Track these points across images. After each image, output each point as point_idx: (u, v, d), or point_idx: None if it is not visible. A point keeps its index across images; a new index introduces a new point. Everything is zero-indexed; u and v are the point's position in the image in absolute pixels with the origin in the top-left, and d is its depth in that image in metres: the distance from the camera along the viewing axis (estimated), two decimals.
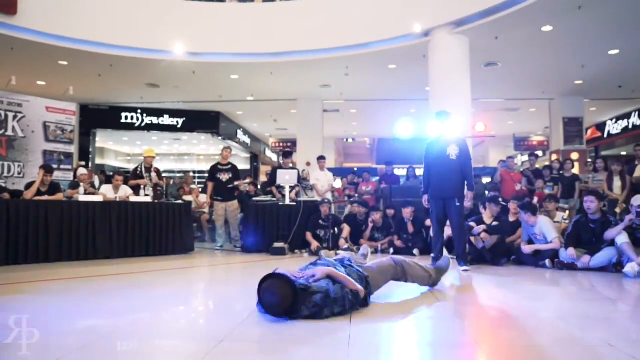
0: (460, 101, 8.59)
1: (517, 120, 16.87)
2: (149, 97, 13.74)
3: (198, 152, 22.38)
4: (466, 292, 4.12)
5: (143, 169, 7.57)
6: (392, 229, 7.72)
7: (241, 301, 3.46)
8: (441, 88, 8.76)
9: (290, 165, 8.30)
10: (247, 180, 7.92)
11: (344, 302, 2.90)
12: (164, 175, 8.21)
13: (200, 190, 10.32)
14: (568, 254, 5.23)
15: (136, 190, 7.25)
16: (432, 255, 5.70)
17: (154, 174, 7.56)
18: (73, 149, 9.92)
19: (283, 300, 2.73)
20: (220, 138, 16.35)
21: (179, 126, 15.33)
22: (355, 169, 17.33)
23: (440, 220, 5.49)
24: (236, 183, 7.77)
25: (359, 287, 3.08)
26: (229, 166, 7.88)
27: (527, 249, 5.64)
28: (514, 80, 12.01)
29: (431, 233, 6.87)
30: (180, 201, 8.02)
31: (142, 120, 15.03)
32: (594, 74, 11.32)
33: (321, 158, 9.27)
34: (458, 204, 5.32)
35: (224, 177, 7.74)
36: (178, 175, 18.26)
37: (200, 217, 9.60)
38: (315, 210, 7.42)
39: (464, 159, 5.38)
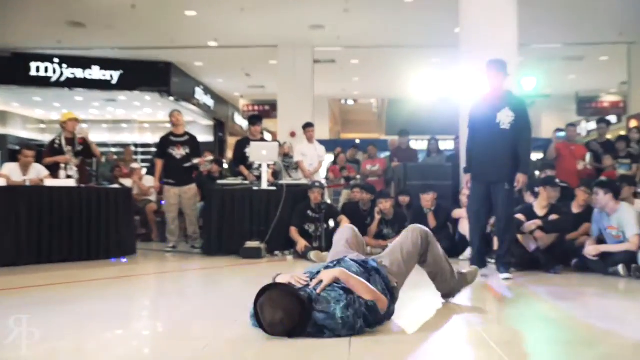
0: (503, 47, 8.46)
1: (581, 73, 16.88)
2: (70, 40, 13.52)
3: (141, 118, 22.23)
4: (509, 306, 4.09)
5: (63, 141, 7.41)
6: (406, 221, 7.69)
7: (201, 322, 3.40)
8: (476, 29, 8.65)
9: (261, 135, 8.28)
10: (209, 157, 7.88)
11: (354, 323, 2.94)
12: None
13: (144, 171, 10.24)
14: None
15: (54, 170, 7.14)
16: (468, 255, 5.66)
17: (79, 147, 7.44)
18: None
19: (288, 317, 2.83)
20: (171, 99, 16.25)
21: (113, 82, 15.19)
22: (358, 141, 17.31)
23: (481, 210, 5.44)
24: (194, 161, 7.74)
25: (380, 295, 3.14)
26: (186, 138, 7.86)
27: (592, 249, 5.61)
28: (578, 16, 11.93)
29: (459, 229, 6.90)
30: (116, 185, 7.94)
31: (61, 74, 14.86)
32: None
33: (308, 125, 9.22)
34: (508, 188, 5.25)
35: (179, 152, 7.72)
36: (113, 150, 18.21)
37: (145, 207, 9.55)
38: (303, 198, 7.37)
39: (521, 128, 5.26)
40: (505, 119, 5.27)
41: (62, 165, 7.15)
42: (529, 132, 5.37)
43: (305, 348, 2.77)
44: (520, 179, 5.27)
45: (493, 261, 5.84)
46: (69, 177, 7.04)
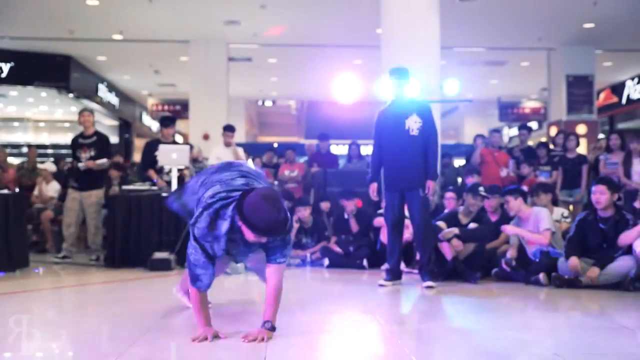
0: (425, 50, 8.71)
1: (503, 78, 17.58)
2: None
3: (36, 116, 21.30)
4: (429, 318, 4.18)
5: None
6: (326, 230, 7.76)
7: (104, 341, 3.28)
8: (398, 30, 8.83)
9: (173, 137, 8.20)
10: (103, 160, 7.68)
11: None
12: None
13: (52, 174, 9.88)
14: (569, 265, 5.45)
15: None
16: (386, 266, 5.79)
17: None
18: None
19: (285, 214, 3.05)
20: (71, 95, 15.74)
21: (3, 75, 14.56)
22: (275, 145, 17.29)
23: (397, 219, 5.61)
24: (82, 164, 7.52)
25: None
26: (94, 138, 7.74)
27: (510, 252, 5.86)
28: (500, 21, 12.45)
29: (381, 237, 7.03)
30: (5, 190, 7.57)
31: None
32: (609, 14, 11.91)
33: (228, 129, 9.12)
34: (422, 194, 5.46)
35: (84, 155, 7.57)
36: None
37: (41, 214, 9.20)
38: None
39: (429, 134, 5.51)
40: (413, 125, 5.49)
41: None
42: (436, 136, 5.62)
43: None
44: (430, 185, 5.48)
45: (416, 271, 5.99)
46: None
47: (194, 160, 9.52)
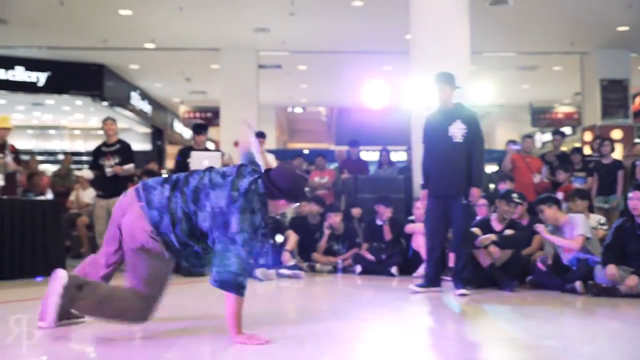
0: (455, 55, 8.62)
1: (535, 83, 17.37)
2: None
3: (71, 124, 21.67)
4: (463, 325, 4.13)
5: None
6: (357, 237, 7.73)
7: (137, 351, 3.30)
8: (428, 36, 8.77)
9: (205, 144, 8.27)
10: (130, 165, 7.80)
11: None
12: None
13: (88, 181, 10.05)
14: (607, 273, 5.35)
15: None
16: (422, 273, 5.75)
17: (9, 159, 7.28)
18: None
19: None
20: (105, 104, 15.93)
21: (40, 84, 14.76)
22: (306, 152, 17.31)
23: (438, 226, 5.56)
24: (110, 169, 7.61)
25: None
26: (117, 146, 7.84)
27: (542, 257, 5.78)
28: (532, 25, 12.31)
29: (413, 244, 6.99)
30: (43, 197, 7.74)
31: None
32: None
33: (259, 136, 9.17)
34: (465, 202, 5.41)
35: (108, 163, 7.64)
36: (40, 158, 17.66)
37: (77, 220, 9.36)
38: None
39: (474, 141, 5.44)
40: (457, 132, 5.44)
41: None
42: (482, 143, 5.55)
43: None
44: (475, 192, 5.42)
45: (449, 278, 5.94)
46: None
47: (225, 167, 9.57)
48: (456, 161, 5.42)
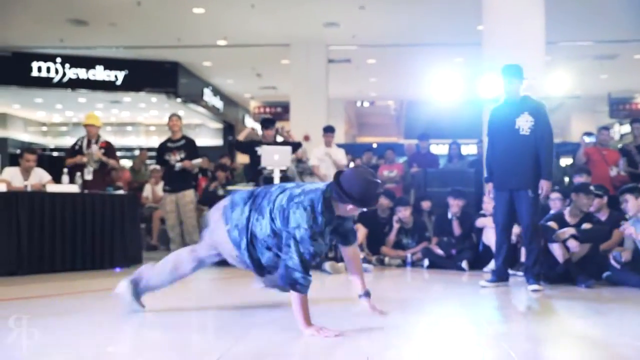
0: (529, 45, 8.44)
1: (614, 73, 16.72)
2: (73, 39, 13.65)
3: (147, 120, 22.36)
4: (535, 322, 4.06)
5: (84, 144, 7.66)
6: (427, 231, 7.68)
7: (211, 335, 3.39)
8: (500, 27, 8.62)
9: (273, 138, 8.35)
10: (198, 160, 8.00)
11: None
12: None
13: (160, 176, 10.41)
14: None
15: (72, 173, 7.31)
16: (493, 267, 5.71)
17: (95, 148, 7.61)
18: None
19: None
20: (179, 100, 16.33)
21: (118, 83, 15.31)
22: (375, 145, 17.28)
23: (505, 219, 5.53)
24: (179, 164, 7.81)
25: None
26: (182, 142, 8.03)
27: (624, 254, 5.59)
28: (610, 12, 11.85)
29: (483, 238, 6.89)
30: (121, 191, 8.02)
31: (64, 74, 14.97)
32: None
33: (328, 130, 9.26)
34: (532, 195, 5.33)
35: (174, 158, 7.85)
36: (119, 154, 18.30)
37: (152, 214, 9.64)
38: None
39: (542, 133, 5.36)
40: (524, 124, 5.39)
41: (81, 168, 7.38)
42: (550, 136, 5.44)
43: None
44: (544, 185, 5.34)
45: (521, 273, 5.83)
46: (85, 180, 7.28)
47: (299, 161, 9.68)
48: (522, 154, 5.37)
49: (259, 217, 3.55)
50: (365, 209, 3.61)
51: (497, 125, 5.58)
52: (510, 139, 5.42)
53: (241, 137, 8.19)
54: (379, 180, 3.45)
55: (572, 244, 5.68)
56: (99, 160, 7.65)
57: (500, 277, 5.54)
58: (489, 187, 5.71)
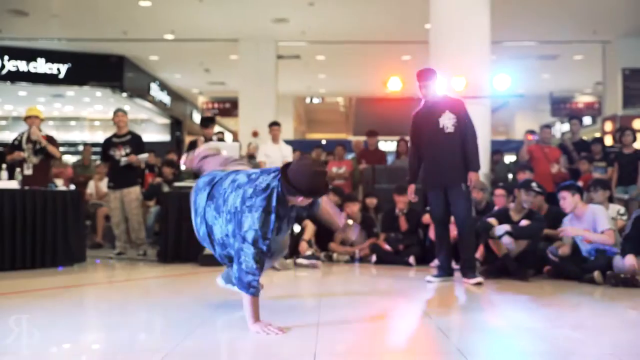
0: (475, 44, 8.62)
1: (555, 73, 17.22)
2: (12, 30, 13.33)
3: (91, 115, 21.89)
4: (478, 314, 4.14)
5: (24, 139, 7.43)
6: (374, 227, 7.74)
7: (157, 333, 3.35)
8: (447, 25, 8.77)
9: (219, 133, 8.29)
10: (145, 155, 7.88)
11: None
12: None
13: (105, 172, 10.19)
14: (626, 263, 5.31)
15: (12, 168, 7.09)
16: (436, 263, 5.82)
17: (34, 129, 7.35)
18: None
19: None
20: (124, 95, 16.07)
21: (61, 76, 14.99)
22: (324, 142, 17.31)
23: (442, 217, 5.71)
24: (124, 159, 7.68)
25: None
26: (128, 137, 7.89)
27: (562, 249, 5.77)
28: (553, 14, 12.20)
29: (430, 234, 7.00)
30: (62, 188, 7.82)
31: (3, 66, 14.64)
32: None
33: (274, 124, 9.21)
34: (465, 189, 5.52)
35: (119, 153, 7.71)
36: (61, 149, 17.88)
37: (97, 211, 9.45)
38: None
39: (464, 128, 5.56)
40: (447, 122, 5.58)
41: (21, 164, 7.17)
42: (473, 129, 5.62)
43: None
44: (472, 177, 5.53)
45: (458, 267, 5.97)
46: (25, 175, 7.04)
47: (250, 157, 9.62)
48: (450, 151, 5.54)
49: (216, 215, 3.56)
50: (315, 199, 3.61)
51: (421, 127, 5.72)
52: (436, 139, 5.58)
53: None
54: (324, 169, 3.47)
55: (507, 240, 5.84)
56: (39, 144, 7.38)
57: (445, 271, 5.67)
58: (410, 189, 5.87)
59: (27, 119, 7.60)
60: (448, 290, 5.30)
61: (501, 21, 10.11)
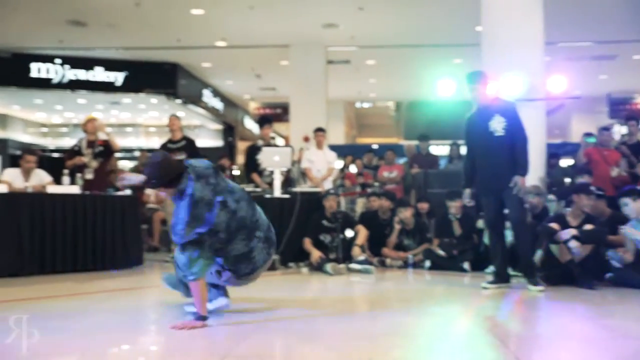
0: (528, 46, 8.45)
1: (613, 73, 16.75)
2: (72, 40, 13.67)
3: (146, 121, 22.35)
4: (538, 323, 4.05)
5: (84, 144, 7.64)
6: (428, 232, 7.66)
7: (210, 338, 3.40)
8: (499, 27, 8.62)
9: (272, 137, 8.31)
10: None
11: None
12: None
13: None
14: None
15: (73, 174, 7.30)
16: (491, 269, 5.73)
17: (98, 148, 7.57)
18: None
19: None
20: (179, 101, 16.35)
21: (117, 84, 15.32)
22: (375, 146, 17.27)
23: (496, 222, 5.62)
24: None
25: None
26: (183, 143, 7.98)
27: (625, 255, 5.58)
28: (609, 12, 11.86)
29: (485, 239, 6.88)
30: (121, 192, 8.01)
31: (63, 75, 15.01)
32: None
33: (319, 130, 9.21)
34: (516, 193, 5.40)
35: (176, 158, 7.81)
36: (118, 155, 18.30)
37: (153, 215, 9.61)
38: (317, 207, 7.35)
39: (514, 131, 5.46)
40: (497, 125, 5.50)
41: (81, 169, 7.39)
42: (522, 132, 5.51)
43: None
44: (518, 181, 5.39)
45: (521, 274, 5.84)
46: (86, 180, 7.25)
47: (296, 162, 9.64)
48: (501, 155, 5.45)
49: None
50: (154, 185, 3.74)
51: (473, 132, 5.68)
52: (487, 143, 5.52)
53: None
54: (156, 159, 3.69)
55: (573, 245, 5.67)
56: (97, 148, 7.59)
57: (501, 278, 5.55)
58: (467, 193, 5.80)
59: (85, 124, 7.80)
60: (505, 297, 5.19)
61: (555, 22, 9.90)
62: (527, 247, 5.52)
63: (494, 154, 5.49)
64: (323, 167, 8.88)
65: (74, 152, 7.71)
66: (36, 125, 22.32)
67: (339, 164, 11.48)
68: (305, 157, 9.16)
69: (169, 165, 3.66)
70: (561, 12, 10.74)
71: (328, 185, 8.90)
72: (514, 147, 5.44)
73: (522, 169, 5.42)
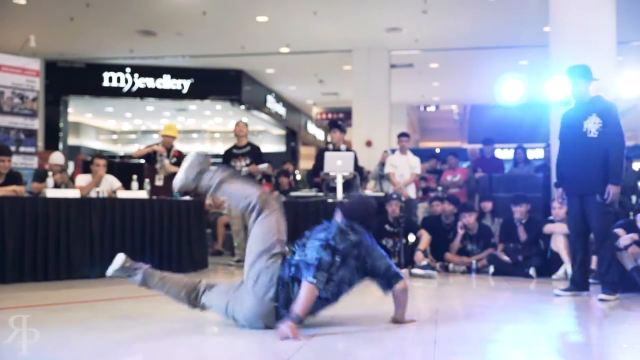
0: (599, 46, 8.18)
1: None
2: (141, 49, 14.05)
3: (211, 127, 22.75)
4: (609, 333, 3.90)
5: (159, 153, 7.92)
6: (492, 237, 7.51)
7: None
8: (568, 27, 8.40)
9: (342, 142, 8.34)
10: (264, 165, 8.05)
11: None
12: None
13: None
14: None
15: (142, 180, 7.53)
16: (562, 275, 5.57)
17: (167, 162, 7.90)
18: (37, 124, 10.23)
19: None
20: (243, 107, 16.56)
21: (184, 91, 15.66)
22: (437, 151, 17.08)
23: (576, 226, 5.39)
24: (246, 168, 7.88)
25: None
26: (247, 148, 8.10)
27: None
28: None
29: (551, 245, 6.69)
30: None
31: (133, 83, 15.44)
32: None
33: (403, 135, 9.23)
34: (600, 200, 5.14)
35: (240, 164, 7.91)
36: None
37: (217, 220, 9.75)
38: (380, 211, 7.31)
39: (610, 135, 5.17)
40: (592, 126, 5.22)
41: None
42: (619, 137, 5.20)
43: None
44: (611, 190, 5.12)
45: (597, 281, 5.64)
46: (156, 185, 7.54)
47: (383, 164, 9.58)
48: (590, 157, 5.19)
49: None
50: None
51: (567, 128, 5.46)
52: (578, 143, 5.28)
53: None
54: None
55: (635, 250, 5.43)
56: (172, 159, 7.91)
57: (577, 286, 5.35)
58: (558, 193, 5.59)
59: (164, 135, 8.08)
60: (574, 305, 5.03)
61: (628, 20, 9.57)
62: (607, 255, 5.24)
63: (583, 156, 5.25)
64: (406, 172, 8.91)
65: (150, 156, 7.98)
66: (107, 132, 23.07)
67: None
68: (389, 162, 9.16)
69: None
70: (634, 10, 10.36)
71: (411, 190, 8.91)
72: (606, 151, 5.15)
73: (616, 178, 5.12)
